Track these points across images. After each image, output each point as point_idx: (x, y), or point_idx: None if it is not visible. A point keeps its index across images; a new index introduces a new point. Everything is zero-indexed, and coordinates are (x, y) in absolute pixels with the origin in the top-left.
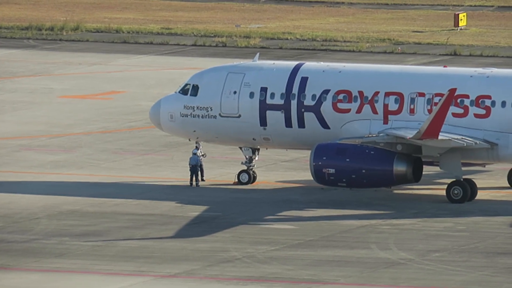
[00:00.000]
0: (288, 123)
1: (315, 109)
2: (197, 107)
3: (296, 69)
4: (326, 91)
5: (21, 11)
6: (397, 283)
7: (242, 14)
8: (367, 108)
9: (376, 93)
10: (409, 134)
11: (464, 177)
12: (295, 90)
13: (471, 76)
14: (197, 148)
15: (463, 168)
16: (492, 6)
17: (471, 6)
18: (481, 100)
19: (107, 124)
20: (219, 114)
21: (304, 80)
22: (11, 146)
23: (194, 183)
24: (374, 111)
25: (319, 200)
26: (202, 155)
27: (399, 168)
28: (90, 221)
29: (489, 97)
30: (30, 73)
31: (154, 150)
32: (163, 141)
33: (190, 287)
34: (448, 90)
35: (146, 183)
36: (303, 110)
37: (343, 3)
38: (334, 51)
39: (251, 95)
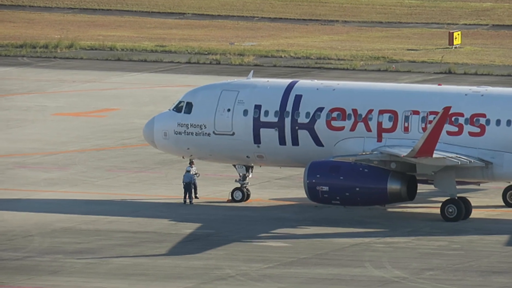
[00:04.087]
0: (282, 141)
1: (309, 127)
2: (191, 125)
3: (290, 87)
4: (320, 109)
5: (15, 29)
6: None
7: (236, 32)
8: (361, 126)
9: (370, 111)
10: (403, 152)
11: (458, 195)
12: (289, 107)
13: (465, 95)
14: (191, 166)
15: (458, 187)
16: (487, 25)
17: (465, 24)
18: (475, 118)
19: (101, 141)
20: (213, 132)
21: (298, 98)
22: (5, 163)
23: (187, 200)
24: (368, 129)
25: (312, 218)
26: (195, 174)
27: (393, 186)
28: (84, 238)
29: (483, 115)
30: (24, 90)
31: (148, 167)
32: (157, 158)
33: None
34: (443, 108)
35: (140, 200)
36: (297, 127)
37: (337, 21)
38: (328, 69)
39: (245, 112)
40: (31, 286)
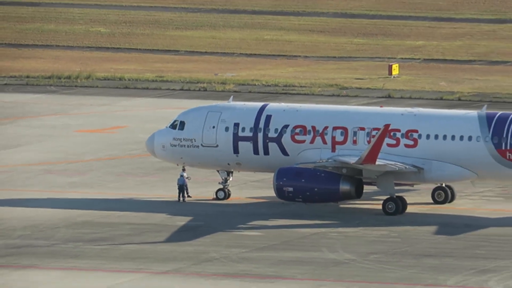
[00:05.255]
0: (256, 151)
1: (277, 140)
2: (184, 139)
3: (262, 108)
4: (286, 126)
5: (45, 64)
6: (343, 278)
7: (219, 65)
8: (318, 139)
9: (326, 128)
10: (352, 160)
11: (396, 194)
12: (261, 125)
13: (402, 114)
14: (183, 171)
15: (396, 187)
16: (419, 59)
17: (402, 58)
18: (410, 133)
19: (112, 152)
20: (201, 144)
21: (268, 117)
22: (36, 170)
23: (181, 199)
24: (324, 142)
25: (280, 212)
26: (187, 178)
27: (344, 187)
28: (99, 229)
29: (416, 131)
30: (52, 112)
31: (150, 173)
32: (157, 166)
33: (178, 282)
34: (383, 126)
35: (143, 199)
36: (267, 141)
37: (299, 56)
38: (292, 94)
39: (226, 129)
40: (58, 267)
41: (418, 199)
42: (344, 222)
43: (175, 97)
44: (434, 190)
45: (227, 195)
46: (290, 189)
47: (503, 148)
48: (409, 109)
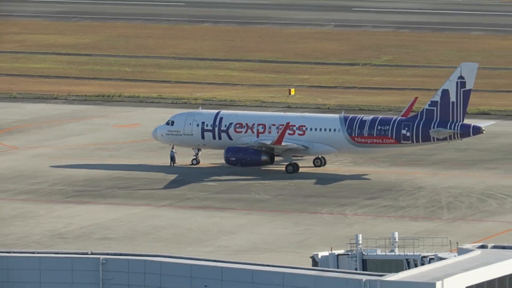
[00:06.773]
0: (214, 138)
1: (226, 131)
2: (173, 131)
3: (217, 113)
4: (231, 123)
5: (94, 88)
6: (264, 209)
7: (194, 89)
8: (249, 131)
9: (254, 124)
10: (269, 142)
11: (293, 161)
12: (217, 123)
13: (296, 116)
14: (173, 148)
15: (293, 157)
16: (306, 85)
17: (296, 85)
18: (301, 127)
19: (133, 138)
20: (183, 134)
21: (221, 118)
22: (90, 148)
23: (171, 164)
24: (253, 132)
25: (228, 172)
26: (175, 152)
27: (264, 157)
28: (126, 181)
29: (304, 126)
30: (98, 116)
31: (154, 150)
32: (158, 146)
33: (170, 211)
34: (286, 123)
35: (150, 164)
36: (220, 132)
37: (238, 84)
38: (234, 106)
39: (197, 125)
40: (102, 203)
41: (305, 164)
42: (263, 177)
43: (169, 107)
44: (314, 159)
45: (198, 162)
46: (233, 159)
47: (353, 135)
48: (300, 114)
